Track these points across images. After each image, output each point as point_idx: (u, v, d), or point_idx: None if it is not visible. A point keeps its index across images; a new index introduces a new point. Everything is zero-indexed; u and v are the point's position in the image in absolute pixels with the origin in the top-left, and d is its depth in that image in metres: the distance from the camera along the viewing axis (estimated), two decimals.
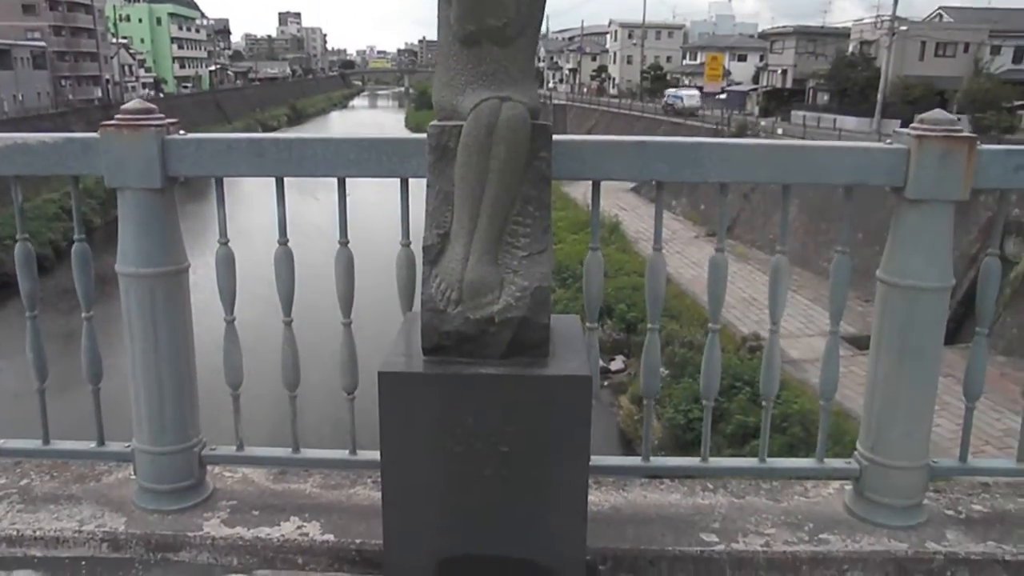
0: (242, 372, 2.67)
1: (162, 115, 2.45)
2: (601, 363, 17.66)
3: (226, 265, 2.57)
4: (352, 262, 2.55)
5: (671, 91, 59.54)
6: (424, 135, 2.18)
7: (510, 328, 2.10)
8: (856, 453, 2.60)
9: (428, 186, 2.16)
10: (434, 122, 2.15)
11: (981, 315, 2.56)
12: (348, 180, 2.54)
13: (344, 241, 2.54)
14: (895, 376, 2.46)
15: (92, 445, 2.73)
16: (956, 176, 2.31)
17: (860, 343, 13.21)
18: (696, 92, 57.54)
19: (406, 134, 2.53)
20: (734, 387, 14.80)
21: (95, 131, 2.42)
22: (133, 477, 2.67)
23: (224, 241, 2.56)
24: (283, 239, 2.54)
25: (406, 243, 2.51)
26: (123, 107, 2.44)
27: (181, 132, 2.47)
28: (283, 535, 2.48)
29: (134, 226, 2.43)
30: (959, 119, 2.44)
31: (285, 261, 2.55)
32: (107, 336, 2.76)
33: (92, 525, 2.53)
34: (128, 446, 2.64)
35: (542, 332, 2.14)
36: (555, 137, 2.19)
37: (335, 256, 2.53)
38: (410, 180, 2.46)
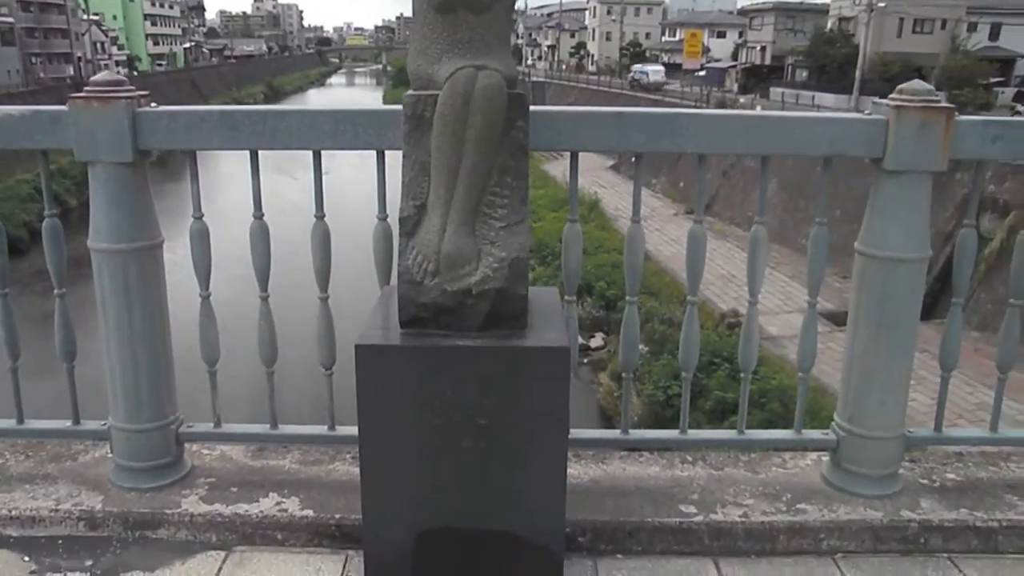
0: (219, 348, 2.65)
1: (132, 87, 2.40)
2: (581, 340, 17.67)
3: (200, 240, 2.54)
4: (328, 236, 2.53)
5: (637, 66, 61.12)
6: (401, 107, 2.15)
7: (487, 300, 2.09)
8: (833, 424, 2.63)
9: (404, 156, 2.13)
10: (410, 91, 2.12)
11: (957, 286, 2.57)
12: (324, 154, 2.51)
13: (320, 215, 2.52)
14: (873, 347, 2.48)
15: (67, 424, 2.70)
16: (934, 146, 2.32)
17: (838, 319, 13.30)
18: (661, 67, 59.29)
19: None
20: (713, 363, 14.87)
21: None
22: (110, 455, 2.65)
23: (198, 216, 2.53)
24: (258, 213, 2.52)
25: (383, 217, 2.49)
26: (92, 79, 2.39)
27: (153, 104, 2.42)
28: (262, 511, 2.47)
29: (106, 201, 2.39)
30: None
31: (261, 235, 2.53)
32: (83, 318, 2.72)
33: (69, 504, 2.51)
34: (104, 424, 2.62)
35: (520, 303, 2.13)
36: (533, 108, 2.17)
37: (311, 230, 2.51)
38: (386, 152, 2.44)
